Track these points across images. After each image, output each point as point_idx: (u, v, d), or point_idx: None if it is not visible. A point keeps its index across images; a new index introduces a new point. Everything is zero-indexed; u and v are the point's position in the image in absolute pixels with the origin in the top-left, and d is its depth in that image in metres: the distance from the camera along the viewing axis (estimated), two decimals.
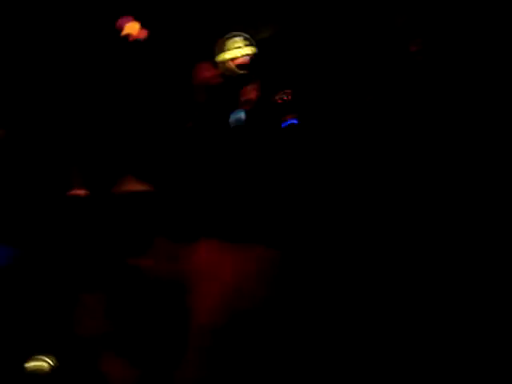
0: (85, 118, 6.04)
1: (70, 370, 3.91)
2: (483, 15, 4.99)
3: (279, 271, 3.15)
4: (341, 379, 3.38)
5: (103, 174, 5.69)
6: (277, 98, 5.99)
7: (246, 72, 6.34)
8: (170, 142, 5.84)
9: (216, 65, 6.34)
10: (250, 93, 6.18)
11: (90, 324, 3.94)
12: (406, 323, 3.59)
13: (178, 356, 3.43)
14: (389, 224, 4.55)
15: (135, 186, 5.06)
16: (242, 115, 5.83)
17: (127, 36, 6.23)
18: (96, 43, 6.05)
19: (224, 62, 6.42)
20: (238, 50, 6.38)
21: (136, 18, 6.23)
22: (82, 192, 5.42)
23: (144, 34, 6.29)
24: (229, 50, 6.35)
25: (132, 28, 6.18)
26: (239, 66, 6.32)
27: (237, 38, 6.38)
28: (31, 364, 4.15)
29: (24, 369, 4.13)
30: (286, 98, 5.75)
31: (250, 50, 6.39)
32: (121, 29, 6.21)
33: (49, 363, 4.11)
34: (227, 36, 6.35)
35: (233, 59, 6.33)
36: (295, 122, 5.54)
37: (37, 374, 4.11)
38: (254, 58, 6.28)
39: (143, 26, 6.25)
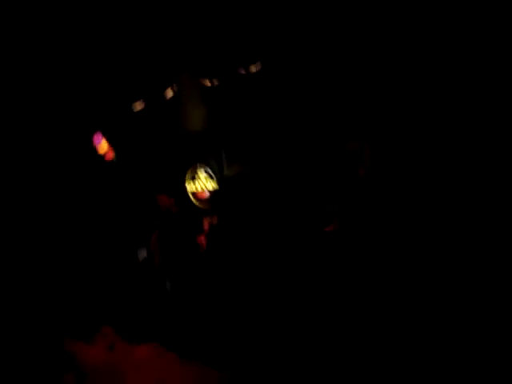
0: None
1: None
2: None
3: None
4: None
5: None
6: None
7: (203, 206, 6.63)
8: None
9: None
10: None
11: None
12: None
13: None
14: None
15: None
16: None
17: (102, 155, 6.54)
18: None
19: (189, 192, 6.73)
20: (199, 184, 6.65)
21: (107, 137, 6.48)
22: None
23: (112, 154, 6.58)
24: (192, 181, 6.62)
25: (103, 148, 6.45)
26: (198, 200, 6.60)
27: (199, 170, 6.65)
28: None
29: None
30: None
31: (210, 186, 6.67)
32: (97, 147, 6.50)
33: None
34: (193, 168, 6.61)
35: (193, 192, 6.61)
36: None
37: None
38: (213, 193, 6.55)
39: (112, 145, 6.51)
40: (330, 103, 6.02)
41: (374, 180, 5.58)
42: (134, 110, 6.19)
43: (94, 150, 6.54)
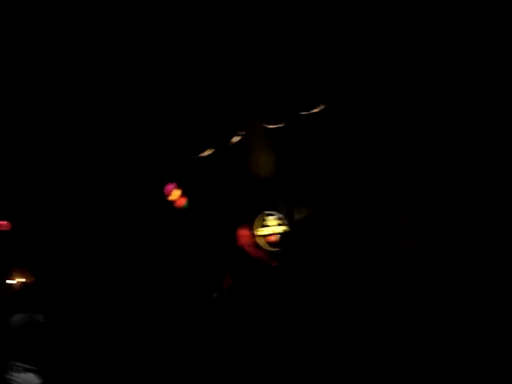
0: None
1: None
2: None
3: None
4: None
5: None
6: None
7: (274, 249, 6.61)
8: None
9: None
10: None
11: None
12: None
13: None
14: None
15: None
16: None
17: (172, 202, 6.71)
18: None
19: (258, 237, 6.76)
20: (270, 228, 6.67)
21: (178, 185, 6.65)
22: None
23: (184, 201, 6.74)
24: (262, 226, 6.65)
25: (175, 195, 6.63)
26: (269, 243, 6.60)
27: (270, 217, 6.67)
28: None
29: None
30: None
31: (281, 230, 6.66)
32: (167, 194, 6.69)
33: None
34: (262, 213, 6.65)
35: (265, 236, 6.62)
36: None
37: None
38: (283, 237, 6.51)
39: (184, 193, 6.67)
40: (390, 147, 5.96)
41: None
42: (203, 156, 6.34)
43: (166, 197, 6.72)
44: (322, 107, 5.84)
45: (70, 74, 5.76)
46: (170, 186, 6.75)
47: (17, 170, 6.39)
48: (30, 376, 3.46)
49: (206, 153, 6.39)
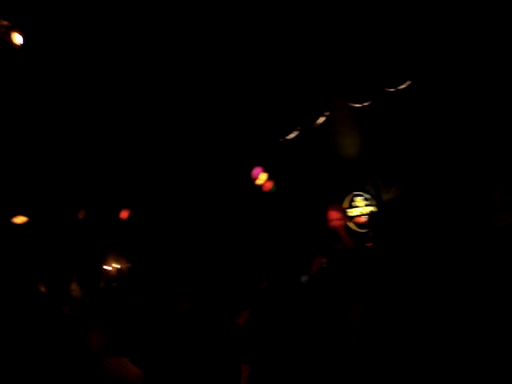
0: None
1: None
2: None
3: None
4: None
5: None
6: None
7: (364, 230, 6.56)
8: None
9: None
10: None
11: None
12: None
13: None
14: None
15: None
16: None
17: (260, 186, 6.79)
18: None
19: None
20: (357, 209, 6.62)
21: (265, 169, 6.72)
22: None
23: (271, 184, 6.80)
24: (350, 207, 6.61)
25: (262, 179, 6.70)
26: (357, 225, 6.55)
27: (358, 198, 6.62)
28: None
29: None
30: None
31: (368, 210, 6.60)
32: (255, 178, 6.77)
33: None
34: (350, 194, 6.61)
35: (353, 217, 6.58)
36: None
37: None
38: (371, 217, 6.47)
39: (271, 177, 6.73)
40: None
41: None
42: (289, 139, 6.36)
43: (253, 181, 6.78)
44: (408, 83, 5.71)
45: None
46: (257, 170, 6.81)
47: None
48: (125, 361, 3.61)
49: (292, 135, 6.39)
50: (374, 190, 6.79)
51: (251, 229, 6.80)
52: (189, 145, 6.51)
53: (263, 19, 5.74)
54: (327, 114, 6.20)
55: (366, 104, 5.97)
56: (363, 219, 6.74)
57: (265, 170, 6.82)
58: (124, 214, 7.06)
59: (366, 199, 6.81)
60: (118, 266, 7.63)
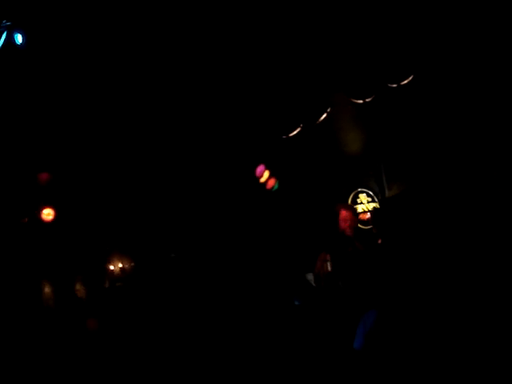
0: None
1: None
2: None
3: None
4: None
5: None
6: None
7: (366, 227, 6.54)
8: None
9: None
10: None
11: None
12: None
13: None
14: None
15: None
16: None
17: (263, 183, 6.78)
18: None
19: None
20: (361, 206, 6.60)
21: (267, 166, 6.71)
22: None
23: (274, 182, 6.78)
24: (354, 204, 6.60)
25: (265, 176, 6.69)
26: (361, 222, 6.53)
27: (361, 195, 6.61)
28: None
29: None
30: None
31: (371, 207, 6.58)
32: (259, 176, 6.76)
33: None
34: (355, 191, 6.60)
35: (357, 213, 6.57)
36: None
37: None
38: (374, 214, 6.45)
39: (273, 174, 6.72)
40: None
41: None
42: (291, 136, 6.35)
43: (256, 179, 6.77)
44: (410, 78, 5.70)
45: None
46: (260, 168, 6.80)
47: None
48: None
49: (295, 132, 6.38)
50: (377, 186, 6.77)
51: (255, 226, 6.78)
52: (192, 142, 6.50)
53: (265, 15, 5.74)
54: (329, 110, 6.18)
55: (368, 100, 5.95)
56: (367, 216, 6.72)
57: (267, 168, 6.80)
58: None
59: (369, 196, 6.80)
60: (122, 266, 7.63)
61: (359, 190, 6.83)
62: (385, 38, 5.77)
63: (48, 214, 6.32)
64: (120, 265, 7.57)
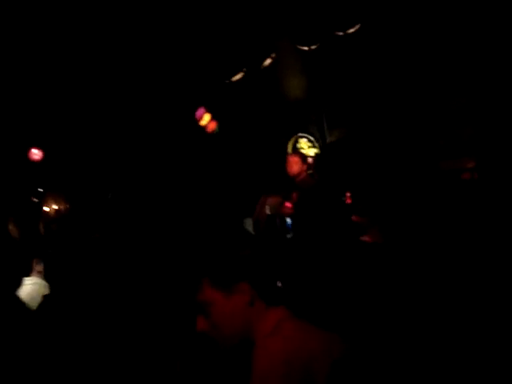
0: None
1: None
2: None
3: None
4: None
5: None
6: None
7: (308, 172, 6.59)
8: None
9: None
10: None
11: None
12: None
13: None
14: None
15: None
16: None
17: (204, 127, 6.66)
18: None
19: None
20: (302, 151, 6.64)
21: (208, 109, 6.58)
22: None
23: (214, 125, 6.69)
24: (294, 149, 6.62)
25: (205, 119, 6.57)
26: None
27: (302, 140, 6.63)
28: None
29: None
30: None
31: (312, 152, 6.63)
32: (199, 119, 6.63)
33: None
34: (295, 136, 6.60)
35: None
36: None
37: None
38: (315, 159, 6.50)
39: (215, 117, 6.61)
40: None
41: None
42: (233, 80, 6.19)
43: (197, 122, 6.64)
44: (357, 27, 5.62)
45: None
46: (200, 111, 6.65)
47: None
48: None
49: (237, 77, 6.23)
50: (318, 132, 6.79)
51: (194, 170, 6.70)
52: (129, 86, 6.23)
53: None
54: (274, 55, 6.04)
55: (313, 47, 5.85)
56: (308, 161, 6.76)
57: (208, 111, 6.66)
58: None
59: (309, 141, 6.82)
60: (57, 207, 7.41)
61: (300, 134, 6.83)
62: None
63: None
64: (55, 206, 7.36)
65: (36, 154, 6.71)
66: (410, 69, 5.95)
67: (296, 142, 6.88)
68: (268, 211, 6.82)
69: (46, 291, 3.72)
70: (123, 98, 6.48)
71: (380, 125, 6.28)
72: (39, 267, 3.88)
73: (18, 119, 6.38)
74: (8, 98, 6.08)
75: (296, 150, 6.81)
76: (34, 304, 3.26)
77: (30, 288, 3.59)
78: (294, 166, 5.58)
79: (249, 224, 6.72)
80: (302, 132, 6.83)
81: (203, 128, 6.69)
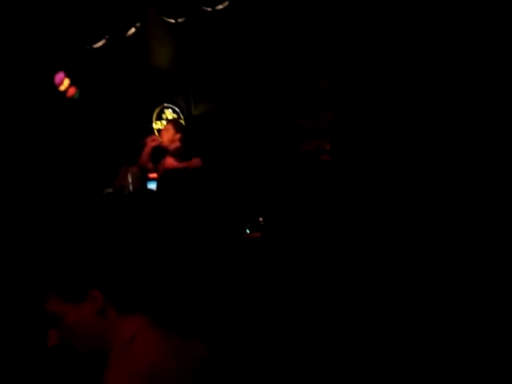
0: None
1: None
2: None
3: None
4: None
5: None
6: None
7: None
8: None
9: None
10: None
11: None
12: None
13: None
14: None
15: None
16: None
17: (63, 92, 6.30)
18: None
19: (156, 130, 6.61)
20: (165, 121, 6.53)
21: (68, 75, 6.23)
22: None
23: (74, 90, 6.35)
24: (158, 119, 6.48)
25: (65, 84, 6.22)
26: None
27: (167, 110, 6.50)
28: None
29: None
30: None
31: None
32: (58, 84, 6.25)
33: None
34: (160, 106, 6.45)
35: (159, 130, 6.48)
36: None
37: None
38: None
39: (74, 83, 6.27)
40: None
41: None
42: (94, 47, 5.87)
43: (56, 87, 6.26)
44: (226, 4, 5.52)
45: None
46: (59, 76, 6.26)
47: None
48: None
49: (100, 43, 5.92)
50: (184, 103, 6.68)
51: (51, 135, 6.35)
52: None
53: None
54: (139, 25, 5.80)
55: (180, 20, 5.68)
56: None
57: (67, 76, 6.29)
58: None
59: (175, 112, 6.71)
60: None
61: (165, 105, 6.69)
62: None
63: None
64: None
65: None
66: (278, 48, 5.98)
67: (161, 112, 6.73)
68: (130, 181, 6.70)
69: None
70: None
71: (244, 101, 6.31)
72: None
73: None
74: None
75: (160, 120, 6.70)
76: None
77: None
78: (165, 134, 5.52)
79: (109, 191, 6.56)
80: (167, 102, 6.68)
81: (63, 93, 6.32)
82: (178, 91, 6.66)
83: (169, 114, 6.72)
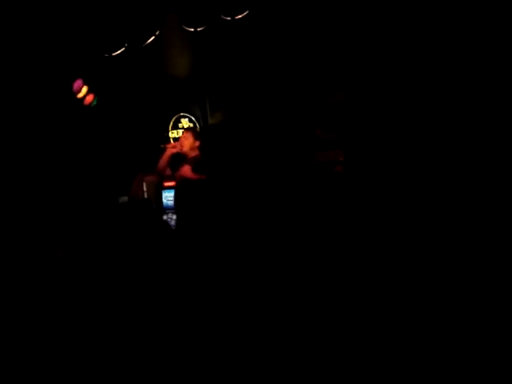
0: None
1: None
2: None
3: None
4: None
5: None
6: None
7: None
8: None
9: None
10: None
11: None
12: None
13: None
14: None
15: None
16: None
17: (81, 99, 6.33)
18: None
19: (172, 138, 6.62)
20: (182, 130, 6.55)
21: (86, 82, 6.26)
22: None
23: (92, 98, 6.38)
24: (175, 128, 6.50)
25: (83, 92, 6.25)
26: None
27: (183, 119, 6.52)
28: None
29: None
30: None
31: None
32: (77, 92, 6.29)
33: None
34: (177, 115, 6.48)
35: (176, 139, 6.49)
36: None
37: None
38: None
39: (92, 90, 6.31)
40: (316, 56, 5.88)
41: None
42: (113, 55, 5.91)
43: (75, 95, 6.30)
44: (245, 13, 5.55)
45: None
46: (78, 83, 6.31)
47: None
48: None
49: (118, 51, 5.96)
50: (200, 112, 6.71)
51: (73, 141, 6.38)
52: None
53: None
54: (158, 33, 5.83)
55: (199, 29, 5.71)
56: None
57: (86, 83, 6.34)
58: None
59: (191, 121, 6.73)
60: None
61: (181, 114, 6.71)
62: None
63: None
64: None
65: None
66: (295, 58, 6.00)
67: (177, 120, 6.75)
68: (145, 188, 6.69)
69: None
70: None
71: (260, 111, 6.32)
72: None
73: None
74: None
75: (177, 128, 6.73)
76: None
77: None
78: (185, 142, 5.54)
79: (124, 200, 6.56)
80: (183, 111, 6.71)
81: (80, 100, 6.37)
82: (195, 100, 6.68)
83: (185, 122, 6.73)
